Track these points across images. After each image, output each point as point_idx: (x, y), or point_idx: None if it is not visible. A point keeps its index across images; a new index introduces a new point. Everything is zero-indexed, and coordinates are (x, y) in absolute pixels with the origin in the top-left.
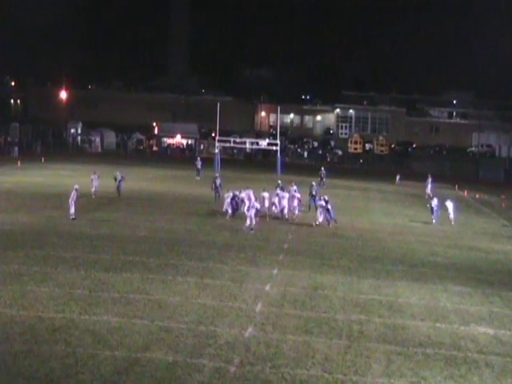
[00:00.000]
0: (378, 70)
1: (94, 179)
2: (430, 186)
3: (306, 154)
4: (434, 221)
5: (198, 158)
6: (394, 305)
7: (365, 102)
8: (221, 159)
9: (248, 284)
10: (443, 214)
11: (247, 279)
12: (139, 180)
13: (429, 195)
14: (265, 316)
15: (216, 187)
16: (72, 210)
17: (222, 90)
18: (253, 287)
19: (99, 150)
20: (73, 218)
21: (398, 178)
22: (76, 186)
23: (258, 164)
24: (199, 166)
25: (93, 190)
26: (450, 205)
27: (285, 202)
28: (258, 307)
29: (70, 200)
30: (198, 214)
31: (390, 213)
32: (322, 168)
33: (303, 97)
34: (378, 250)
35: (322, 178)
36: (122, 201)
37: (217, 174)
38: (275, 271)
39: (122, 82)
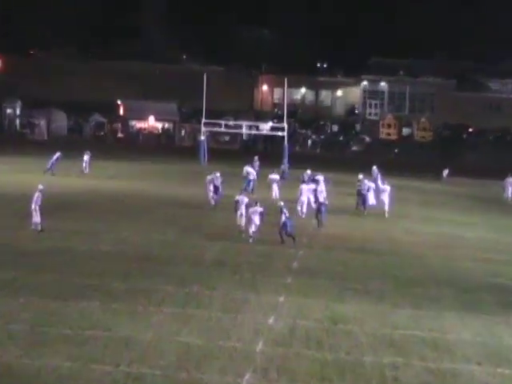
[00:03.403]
0: (419, 30)
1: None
2: (511, 188)
3: (309, 142)
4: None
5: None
6: (441, 343)
7: (401, 72)
8: (208, 149)
9: (245, 315)
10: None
11: (244, 309)
12: (100, 177)
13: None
14: (268, 358)
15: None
16: (37, 219)
17: (211, 56)
18: (252, 320)
19: (45, 136)
20: (40, 230)
21: (445, 172)
22: (40, 187)
23: (259, 155)
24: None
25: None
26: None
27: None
28: (259, 347)
29: (33, 205)
30: (179, 223)
31: (434, 220)
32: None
33: (318, 65)
34: (419, 270)
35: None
36: (77, 205)
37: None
38: (281, 298)
39: (77, 46)
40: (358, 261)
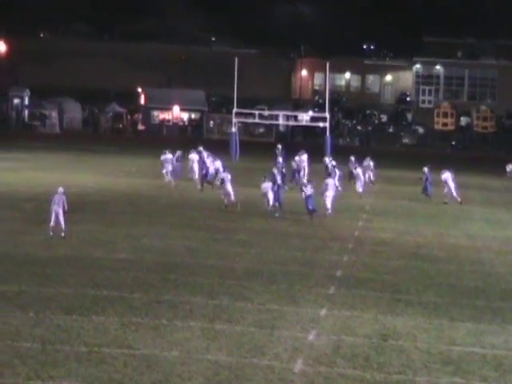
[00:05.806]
0: (479, 3)
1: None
2: None
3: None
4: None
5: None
6: (505, 361)
7: (459, 54)
8: (240, 142)
9: (282, 331)
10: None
11: (281, 324)
12: (117, 175)
13: None
14: (308, 379)
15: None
16: (62, 223)
17: (242, 37)
18: (290, 336)
19: (57, 129)
20: (51, 235)
21: (509, 168)
22: (61, 189)
23: (297, 148)
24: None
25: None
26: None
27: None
28: (298, 366)
29: (54, 207)
30: (206, 226)
31: (497, 221)
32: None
33: (365, 46)
34: (481, 279)
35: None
36: (88, 206)
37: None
38: (323, 311)
39: (90, 26)
40: (410, 269)
